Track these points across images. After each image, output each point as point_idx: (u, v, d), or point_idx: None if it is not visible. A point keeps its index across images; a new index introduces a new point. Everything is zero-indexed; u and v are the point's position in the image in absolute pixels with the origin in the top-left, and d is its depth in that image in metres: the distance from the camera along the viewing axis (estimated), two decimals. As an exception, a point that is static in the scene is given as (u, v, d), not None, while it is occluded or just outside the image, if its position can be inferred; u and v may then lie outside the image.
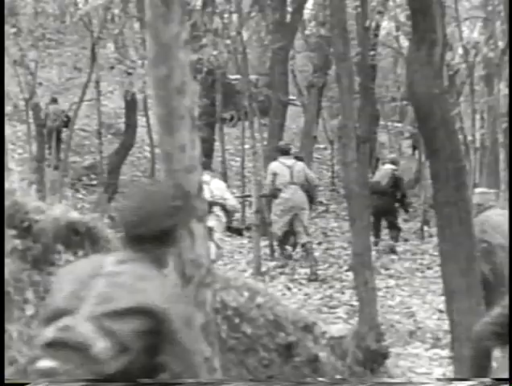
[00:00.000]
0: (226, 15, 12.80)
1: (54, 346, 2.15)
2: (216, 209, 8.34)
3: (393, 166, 11.94)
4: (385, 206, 11.34)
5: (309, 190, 10.07)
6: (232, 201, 8.73)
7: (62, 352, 2.13)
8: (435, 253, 8.35)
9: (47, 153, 14.52)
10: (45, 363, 2.14)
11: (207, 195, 8.29)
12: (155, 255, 2.40)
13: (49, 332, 2.19)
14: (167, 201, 2.44)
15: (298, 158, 11.78)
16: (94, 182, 14.66)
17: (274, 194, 9.93)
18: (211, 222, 7.60)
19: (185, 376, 2.24)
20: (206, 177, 7.95)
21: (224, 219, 8.55)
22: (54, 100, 15.48)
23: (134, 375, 2.17)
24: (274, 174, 9.90)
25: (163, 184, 2.69)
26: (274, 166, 10.04)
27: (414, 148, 18.73)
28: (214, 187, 8.40)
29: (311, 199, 10.29)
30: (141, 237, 2.36)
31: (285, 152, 10.08)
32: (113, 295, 2.22)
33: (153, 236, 2.37)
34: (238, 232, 11.90)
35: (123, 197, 2.50)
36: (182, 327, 2.25)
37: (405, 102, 16.44)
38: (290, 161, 9.98)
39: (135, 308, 2.20)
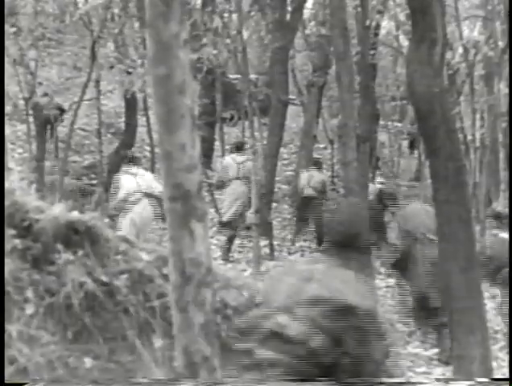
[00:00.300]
0: (226, 14, 12.81)
1: (271, 339, 2.45)
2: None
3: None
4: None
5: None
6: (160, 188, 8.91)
7: (280, 346, 2.41)
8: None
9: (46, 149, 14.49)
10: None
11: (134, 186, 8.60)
12: (358, 262, 2.68)
13: (267, 326, 2.48)
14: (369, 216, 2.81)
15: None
16: (94, 182, 14.64)
17: (221, 186, 10.89)
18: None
19: (383, 368, 2.48)
20: (134, 170, 8.50)
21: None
22: (45, 94, 15.42)
23: (344, 366, 2.42)
24: (224, 168, 10.76)
25: (363, 201, 3.02)
26: (225, 160, 11.07)
27: (412, 147, 18.74)
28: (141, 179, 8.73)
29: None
30: (348, 247, 2.67)
31: (239, 148, 10.84)
32: (323, 297, 2.49)
33: (358, 246, 2.68)
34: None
35: (331, 212, 2.81)
36: (382, 325, 2.53)
37: (405, 101, 16.45)
38: (241, 157, 10.61)
39: (345, 308, 2.46)
